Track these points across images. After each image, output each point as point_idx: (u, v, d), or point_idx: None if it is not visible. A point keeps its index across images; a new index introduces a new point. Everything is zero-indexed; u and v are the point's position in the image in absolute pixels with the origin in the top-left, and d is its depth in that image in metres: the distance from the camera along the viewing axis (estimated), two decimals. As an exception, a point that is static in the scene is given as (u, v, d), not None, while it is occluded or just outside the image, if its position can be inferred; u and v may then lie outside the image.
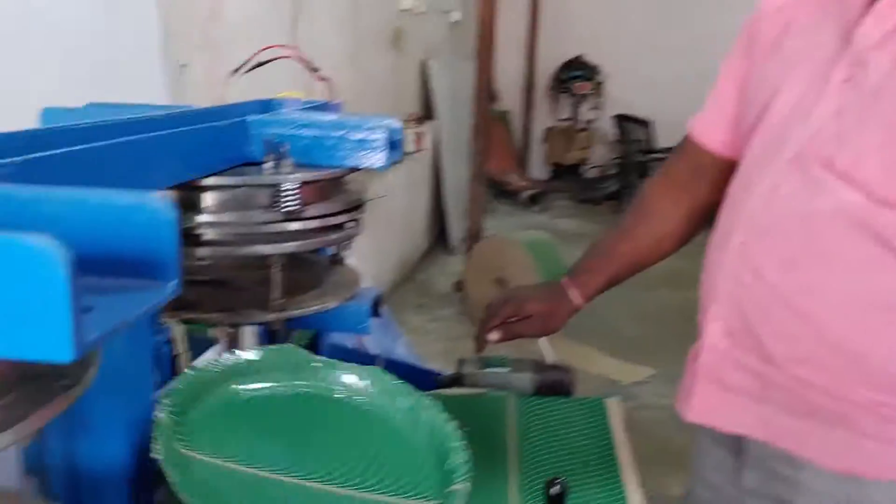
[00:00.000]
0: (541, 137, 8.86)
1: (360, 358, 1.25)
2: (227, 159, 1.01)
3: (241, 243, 0.95)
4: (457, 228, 5.85)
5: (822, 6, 1.09)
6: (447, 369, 1.41)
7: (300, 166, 1.01)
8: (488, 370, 1.34)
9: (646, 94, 7.92)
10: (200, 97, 2.28)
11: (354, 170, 1.06)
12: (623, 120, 7.93)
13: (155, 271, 0.46)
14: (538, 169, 8.98)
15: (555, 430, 1.20)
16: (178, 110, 1.05)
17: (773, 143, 1.07)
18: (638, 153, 7.73)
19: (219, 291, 1.07)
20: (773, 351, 1.04)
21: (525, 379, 1.33)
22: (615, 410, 1.26)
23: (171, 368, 0.91)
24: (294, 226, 0.96)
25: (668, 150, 1.47)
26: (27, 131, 0.71)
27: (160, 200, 0.46)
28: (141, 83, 2.15)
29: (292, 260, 1.04)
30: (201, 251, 0.93)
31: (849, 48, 1.01)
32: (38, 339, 0.38)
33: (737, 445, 1.16)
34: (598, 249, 1.38)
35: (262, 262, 1.00)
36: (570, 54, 8.61)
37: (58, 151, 0.63)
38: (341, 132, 1.02)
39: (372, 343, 3.04)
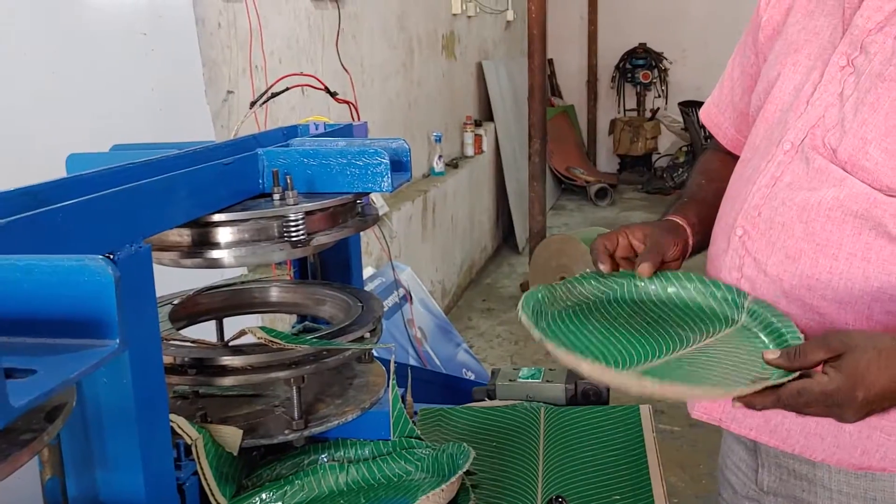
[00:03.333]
0: (607, 130, 8.76)
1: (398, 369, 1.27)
2: (238, 193, 1.04)
3: (262, 370, 0.99)
4: (523, 229, 5.83)
5: None
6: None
7: (307, 195, 1.04)
8: (520, 381, 1.35)
9: (712, 78, 7.71)
10: (248, 122, 2.34)
11: (361, 195, 1.07)
12: (690, 106, 7.76)
13: (98, 331, 0.48)
14: (606, 162, 8.88)
15: (584, 441, 1.19)
16: (193, 147, 1.09)
17: (774, 131, 1.04)
18: (707, 139, 7.56)
19: (247, 402, 1.12)
20: None
21: (558, 389, 1.32)
22: (648, 419, 1.25)
23: (199, 498, 0.94)
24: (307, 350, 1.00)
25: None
26: (24, 188, 0.75)
27: (99, 262, 0.49)
28: (189, 114, 2.22)
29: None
30: (227, 380, 0.99)
31: (847, 33, 0.98)
32: (-31, 409, 0.40)
33: (753, 444, 1.13)
34: (684, 198, 1.27)
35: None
36: (631, 44, 8.49)
37: (40, 211, 0.66)
38: (345, 160, 1.04)
39: (433, 351, 3.07)
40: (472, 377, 3.07)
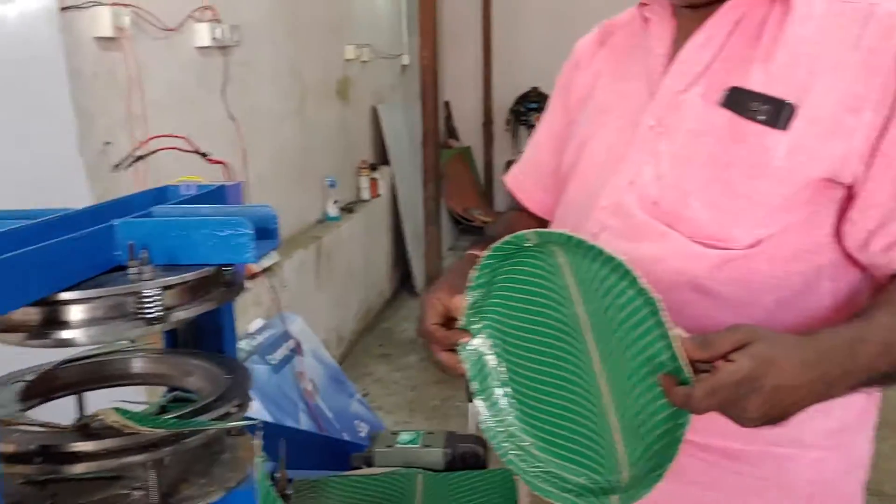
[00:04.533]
0: (503, 171, 8.91)
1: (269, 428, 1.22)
2: (92, 267, 0.99)
3: (116, 455, 0.93)
4: (421, 271, 5.83)
5: (629, 55, 1.13)
6: (409, 421, 1.38)
7: (167, 268, 1.00)
8: (398, 446, 1.33)
9: (602, 122, 7.99)
10: (127, 178, 2.26)
11: (225, 266, 1.04)
12: (581, 149, 7.98)
13: None
14: (503, 202, 9.01)
15: (461, 507, 1.18)
16: (46, 217, 1.04)
17: (590, 190, 1.09)
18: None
19: (104, 485, 1.04)
20: None
21: (436, 454, 1.31)
22: (524, 483, 1.25)
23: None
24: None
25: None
26: None
27: None
28: (62, 168, 2.13)
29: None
30: (77, 468, 0.92)
31: (656, 95, 1.04)
32: None
33: None
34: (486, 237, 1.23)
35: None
36: (524, 87, 8.70)
37: None
38: (206, 230, 1.01)
39: (325, 404, 3.01)
40: (367, 429, 3.03)
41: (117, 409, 0.96)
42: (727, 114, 0.98)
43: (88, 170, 2.21)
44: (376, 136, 5.88)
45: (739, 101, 0.97)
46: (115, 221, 1.03)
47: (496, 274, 0.99)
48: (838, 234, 0.98)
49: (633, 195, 1.03)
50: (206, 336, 1.35)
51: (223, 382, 1.12)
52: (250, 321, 2.98)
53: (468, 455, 1.31)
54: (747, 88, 0.97)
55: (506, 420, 1.03)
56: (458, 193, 7.88)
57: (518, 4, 8.51)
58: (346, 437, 2.71)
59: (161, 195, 1.30)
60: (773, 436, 1.01)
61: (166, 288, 0.97)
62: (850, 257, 0.99)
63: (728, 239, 0.96)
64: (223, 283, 1.11)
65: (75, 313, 0.95)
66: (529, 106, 8.76)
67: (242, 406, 1.11)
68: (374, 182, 5.48)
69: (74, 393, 1.21)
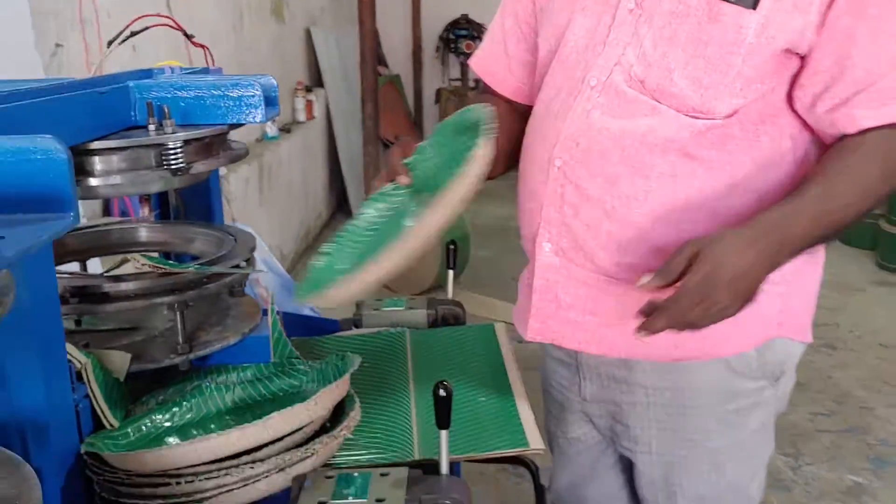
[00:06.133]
0: (433, 99, 8.93)
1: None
2: (110, 124, 1.05)
3: (145, 296, 1.01)
4: (357, 194, 5.88)
5: None
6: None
7: (182, 126, 1.07)
8: (385, 309, 1.43)
9: (531, 49, 8.04)
10: (79, 76, 2.25)
11: (235, 125, 1.11)
12: (511, 75, 8.04)
13: (55, 205, 0.52)
14: (433, 130, 9.03)
15: (449, 356, 1.30)
16: (57, 81, 1.08)
17: (575, 71, 1.16)
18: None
19: (127, 334, 1.12)
20: (604, 261, 1.13)
21: (420, 314, 1.42)
22: (503, 332, 1.37)
23: (91, 420, 0.95)
24: (188, 276, 1.04)
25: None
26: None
27: (51, 141, 0.53)
28: (16, 69, 2.11)
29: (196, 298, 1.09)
30: (110, 307, 1.00)
31: None
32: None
33: (574, 361, 1.27)
34: None
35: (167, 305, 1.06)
36: (454, 14, 8.68)
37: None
38: (219, 91, 1.07)
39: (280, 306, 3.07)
40: (319, 334, 3.11)
41: (144, 255, 1.04)
42: None
43: (42, 71, 2.20)
44: (310, 58, 5.83)
45: None
46: (130, 83, 1.09)
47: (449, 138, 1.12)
48: (790, 98, 1.11)
49: (620, 75, 1.11)
50: (195, 210, 1.42)
51: (228, 243, 1.20)
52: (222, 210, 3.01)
53: (449, 316, 1.42)
54: None
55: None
56: (389, 121, 7.87)
57: (448, -72, 8.43)
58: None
59: (146, 76, 1.34)
60: None
61: (186, 142, 1.04)
62: (802, 120, 1.12)
63: (710, 110, 1.08)
64: (229, 147, 1.18)
65: (102, 163, 1.01)
66: (459, 33, 8.74)
67: (249, 262, 1.19)
68: (309, 104, 5.46)
69: (80, 259, 1.27)
